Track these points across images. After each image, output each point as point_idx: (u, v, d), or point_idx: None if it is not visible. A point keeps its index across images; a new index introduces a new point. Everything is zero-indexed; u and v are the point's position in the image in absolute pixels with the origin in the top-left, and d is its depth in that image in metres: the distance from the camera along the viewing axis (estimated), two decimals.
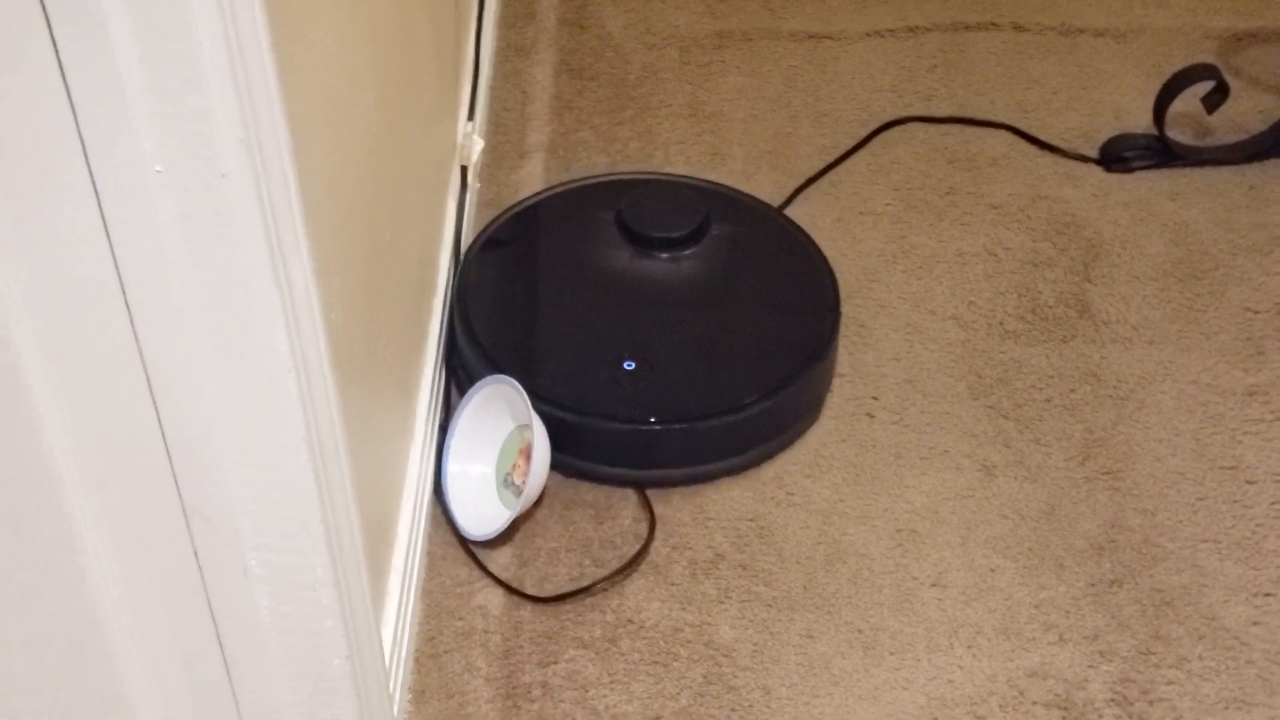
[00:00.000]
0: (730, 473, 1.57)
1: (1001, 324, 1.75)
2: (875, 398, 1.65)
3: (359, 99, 1.25)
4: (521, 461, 1.51)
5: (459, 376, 1.64)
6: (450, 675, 1.39)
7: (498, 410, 1.55)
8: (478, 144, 1.86)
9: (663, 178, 1.84)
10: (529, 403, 1.50)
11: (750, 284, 1.68)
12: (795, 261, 1.71)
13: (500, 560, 1.48)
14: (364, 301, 1.27)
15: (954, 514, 1.54)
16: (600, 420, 1.53)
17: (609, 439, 1.53)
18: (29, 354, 0.86)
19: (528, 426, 1.51)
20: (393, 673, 1.34)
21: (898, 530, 1.52)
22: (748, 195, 1.81)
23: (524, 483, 1.48)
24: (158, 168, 0.88)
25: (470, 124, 1.86)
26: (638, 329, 1.62)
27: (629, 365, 1.56)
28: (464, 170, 1.82)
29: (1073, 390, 1.66)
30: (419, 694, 1.37)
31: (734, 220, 1.76)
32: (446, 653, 1.41)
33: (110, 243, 0.92)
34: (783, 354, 1.60)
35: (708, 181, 1.83)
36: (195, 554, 1.10)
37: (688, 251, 1.70)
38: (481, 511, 1.51)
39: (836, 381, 1.67)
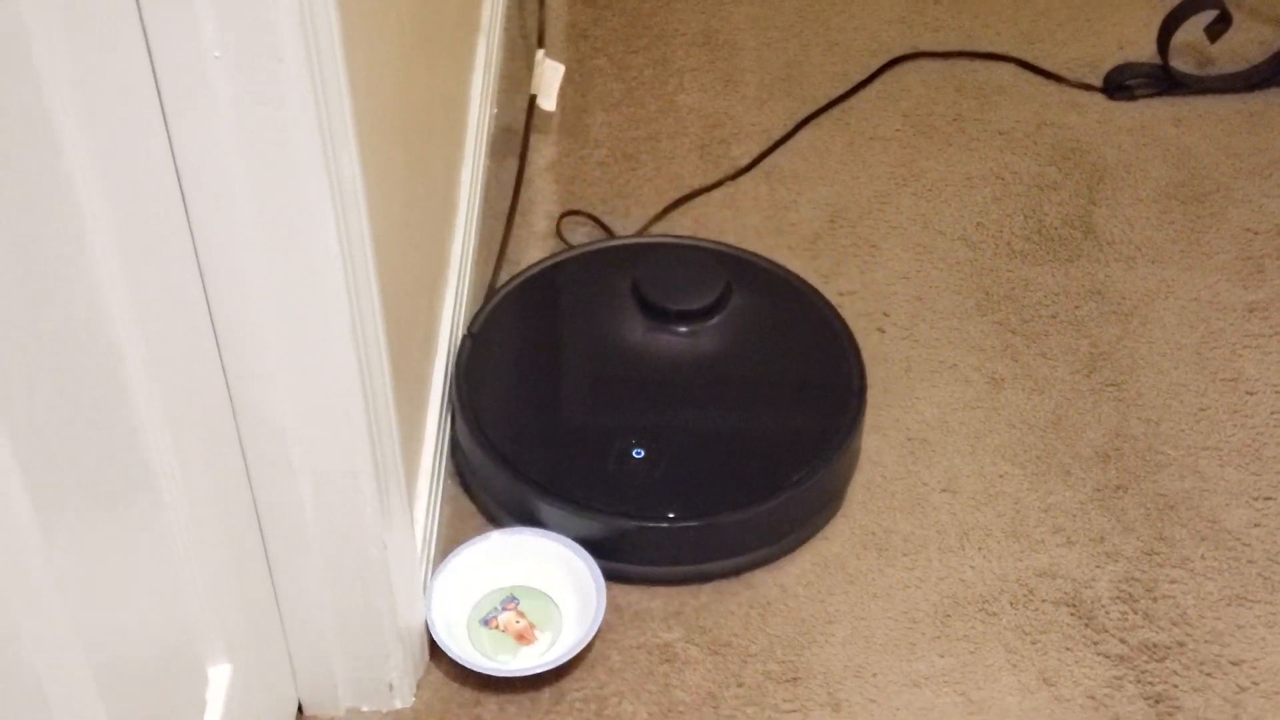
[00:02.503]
0: (749, 568, 1.46)
1: (1008, 244, 1.79)
2: (886, 314, 1.70)
3: (392, 8, 1.29)
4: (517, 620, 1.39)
5: (460, 468, 1.53)
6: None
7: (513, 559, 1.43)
8: (555, 69, 1.91)
9: (679, 241, 1.71)
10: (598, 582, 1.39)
11: (770, 361, 1.57)
12: (817, 336, 1.59)
13: None
14: (401, 200, 1.31)
15: (963, 424, 1.58)
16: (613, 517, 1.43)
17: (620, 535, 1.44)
18: (101, 243, 0.90)
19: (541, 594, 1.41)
20: (423, 568, 1.39)
21: (909, 439, 1.57)
22: (768, 260, 1.67)
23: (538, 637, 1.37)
24: (216, 53, 0.92)
25: (541, 51, 1.91)
26: (648, 411, 1.52)
27: (638, 454, 1.46)
28: (532, 99, 1.88)
29: (1078, 307, 1.71)
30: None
31: (755, 289, 1.62)
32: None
33: (168, 129, 0.95)
34: (801, 445, 1.48)
35: (726, 245, 1.69)
36: (241, 446, 1.14)
37: (708, 324, 1.57)
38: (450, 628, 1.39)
39: (848, 299, 1.71)
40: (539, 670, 1.33)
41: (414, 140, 1.40)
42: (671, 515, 1.42)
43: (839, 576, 1.45)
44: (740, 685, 1.36)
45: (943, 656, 1.38)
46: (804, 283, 1.65)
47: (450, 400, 1.53)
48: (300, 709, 1.33)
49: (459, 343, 1.56)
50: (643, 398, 1.53)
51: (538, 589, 1.41)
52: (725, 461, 1.48)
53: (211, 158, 0.98)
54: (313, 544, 1.21)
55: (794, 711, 1.34)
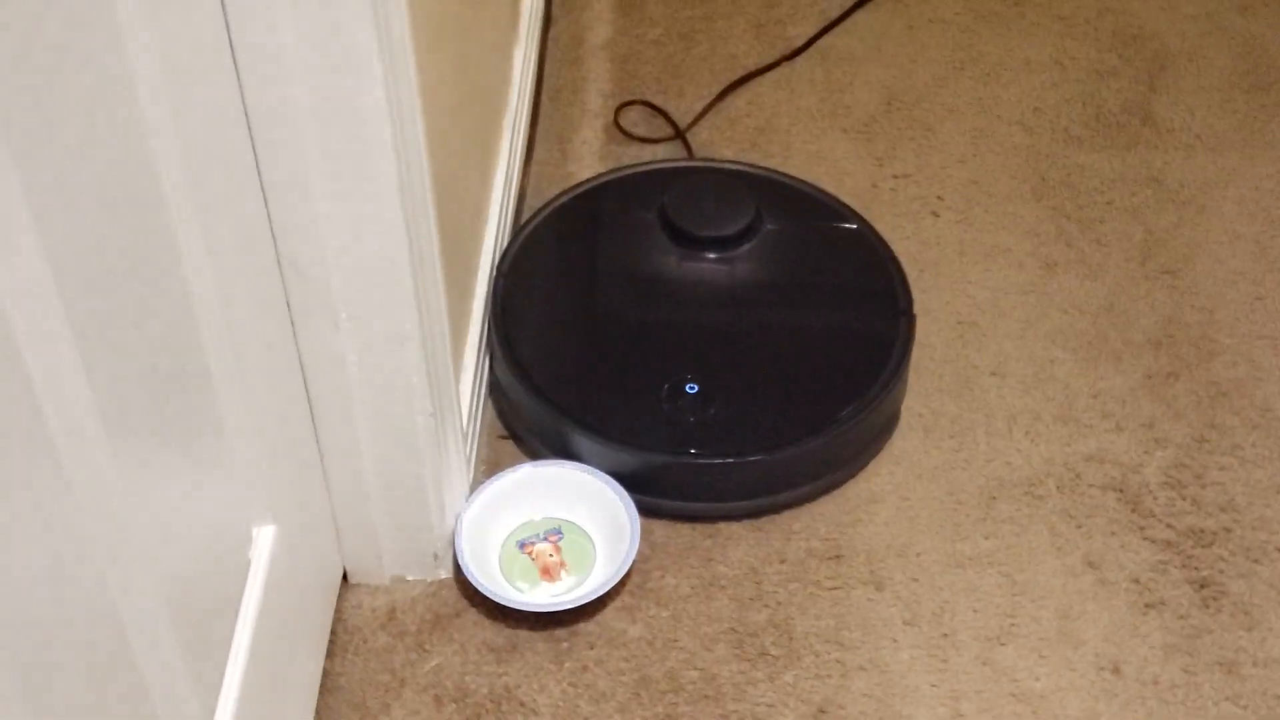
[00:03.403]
0: (808, 499, 1.42)
1: (1066, 130, 1.76)
2: (940, 197, 1.68)
3: None
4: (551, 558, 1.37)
5: (502, 408, 1.49)
6: (520, 456, 1.44)
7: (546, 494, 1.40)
8: None
9: (709, 165, 1.66)
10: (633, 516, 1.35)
11: (815, 285, 1.53)
12: (860, 255, 1.55)
13: None
14: (451, 64, 1.30)
15: (1014, 308, 1.57)
16: (665, 455, 1.39)
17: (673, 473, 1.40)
18: (149, 103, 0.90)
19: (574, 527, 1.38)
20: (468, 441, 1.39)
21: (959, 322, 1.56)
22: (808, 184, 1.62)
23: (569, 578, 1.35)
24: None
25: None
26: (694, 345, 1.47)
27: (692, 389, 1.42)
28: None
29: (1134, 194, 1.69)
30: (492, 466, 1.43)
31: (793, 212, 1.58)
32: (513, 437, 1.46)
33: None
34: (854, 373, 1.44)
35: (759, 168, 1.63)
36: (288, 305, 1.15)
37: (741, 250, 1.53)
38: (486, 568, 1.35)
39: (903, 182, 1.70)
40: (540, 608, 1.30)
41: (464, 6, 1.39)
42: (731, 452, 1.39)
43: (884, 456, 1.44)
44: (783, 561, 1.36)
45: (987, 538, 1.38)
46: (845, 206, 1.60)
47: (488, 339, 1.49)
48: (345, 577, 1.35)
49: (492, 281, 1.52)
50: (686, 331, 1.49)
51: (584, 530, 1.38)
52: (777, 394, 1.44)
53: (261, 9, 0.97)
54: (358, 409, 1.22)
55: (836, 588, 1.34)
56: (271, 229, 1.09)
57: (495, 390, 1.49)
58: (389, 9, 1.02)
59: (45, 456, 0.76)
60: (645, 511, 1.37)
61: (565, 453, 1.41)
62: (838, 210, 1.59)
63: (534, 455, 1.44)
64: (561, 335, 1.50)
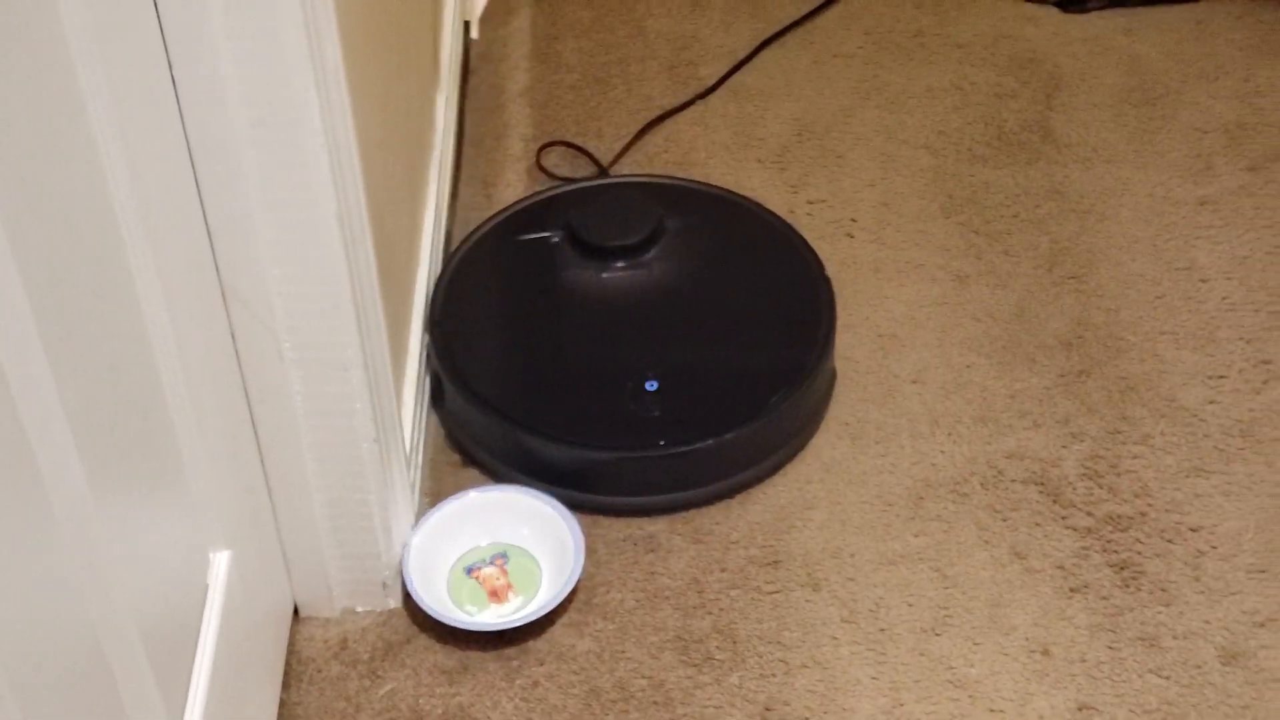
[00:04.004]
0: (738, 490, 1.49)
1: (970, 150, 1.84)
2: (854, 219, 1.75)
3: None
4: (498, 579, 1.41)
5: (459, 437, 1.53)
6: (464, 482, 1.49)
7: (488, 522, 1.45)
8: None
9: (613, 181, 1.75)
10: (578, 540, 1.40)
11: (737, 282, 1.61)
12: (779, 252, 1.64)
13: None
14: (380, 106, 1.35)
15: (930, 319, 1.64)
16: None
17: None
18: (105, 133, 0.94)
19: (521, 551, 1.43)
20: (412, 469, 1.43)
21: (879, 335, 1.62)
22: (717, 186, 1.72)
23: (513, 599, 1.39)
24: None
25: None
26: (636, 344, 1.55)
27: (651, 386, 1.50)
28: (466, 25, 1.90)
29: (1038, 206, 1.76)
30: (436, 495, 1.47)
31: (709, 216, 1.67)
32: (458, 461, 1.51)
33: (159, 17, 1.00)
34: (779, 362, 1.52)
35: (666, 177, 1.74)
36: (233, 335, 1.19)
37: (654, 256, 1.61)
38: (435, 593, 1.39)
39: (818, 207, 1.76)
40: (490, 628, 1.34)
41: (391, 54, 1.45)
42: (661, 443, 1.46)
43: (815, 465, 1.50)
44: (723, 570, 1.41)
45: (917, 536, 1.44)
46: (759, 205, 1.69)
47: (436, 374, 1.54)
48: (296, 612, 1.38)
49: (427, 317, 1.57)
50: (628, 332, 1.56)
51: (529, 552, 1.42)
52: (708, 388, 1.51)
53: (201, 47, 1.02)
54: (304, 437, 1.26)
55: (776, 592, 1.39)
56: (216, 263, 1.14)
57: (457, 422, 1.53)
58: (324, 50, 1.07)
59: (34, 493, 0.81)
60: (624, 512, 1.45)
61: (526, 468, 1.47)
62: (737, 203, 1.69)
63: (496, 476, 1.49)
64: (508, 357, 1.56)
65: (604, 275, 1.60)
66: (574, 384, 1.52)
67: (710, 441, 1.45)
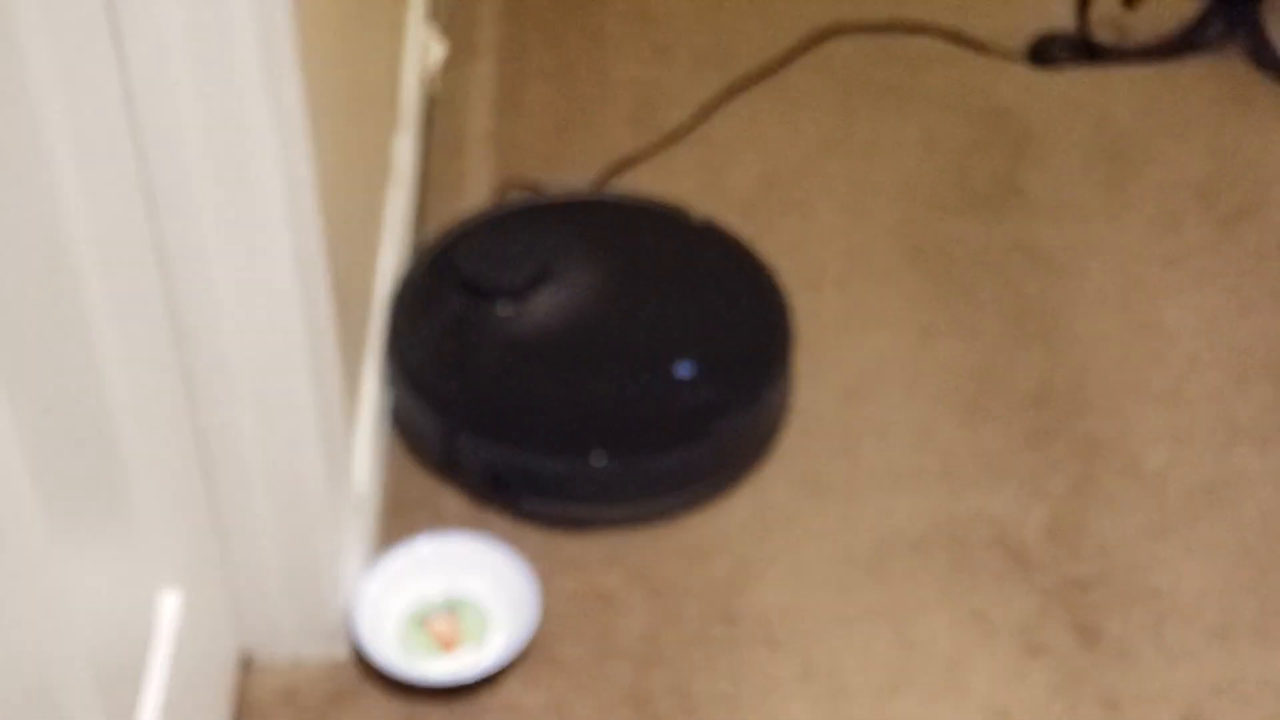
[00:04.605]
0: (680, 509, 1.50)
1: (938, 203, 1.83)
2: (819, 271, 1.73)
3: None
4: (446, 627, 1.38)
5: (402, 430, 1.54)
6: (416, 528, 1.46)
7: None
8: (436, 51, 1.92)
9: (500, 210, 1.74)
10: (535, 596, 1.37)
11: (690, 302, 1.63)
12: (734, 274, 1.66)
13: None
14: (340, 151, 1.33)
15: (896, 373, 1.62)
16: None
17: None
18: (64, 172, 0.92)
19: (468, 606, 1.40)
20: (364, 514, 1.41)
21: (842, 389, 1.60)
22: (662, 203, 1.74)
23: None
24: None
25: (430, 27, 1.93)
26: (568, 362, 1.55)
27: (684, 372, 1.52)
28: (428, 75, 1.89)
29: (1006, 260, 1.75)
30: (389, 542, 1.44)
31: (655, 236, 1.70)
32: (411, 508, 1.48)
33: (125, 53, 0.98)
34: (731, 384, 1.53)
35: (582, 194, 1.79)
36: (185, 375, 1.16)
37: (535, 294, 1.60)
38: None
39: (783, 258, 1.75)
40: (440, 684, 1.32)
41: (349, 97, 1.43)
42: (600, 456, 1.46)
43: (775, 520, 1.48)
44: (679, 625, 1.39)
45: (877, 594, 1.42)
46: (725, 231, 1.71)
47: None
48: (246, 661, 1.35)
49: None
50: (555, 351, 1.56)
51: (481, 604, 1.39)
52: (653, 407, 1.51)
53: (161, 87, 1.00)
54: (254, 479, 1.24)
55: (732, 648, 1.37)
56: (169, 301, 1.11)
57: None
58: (283, 89, 1.05)
59: None
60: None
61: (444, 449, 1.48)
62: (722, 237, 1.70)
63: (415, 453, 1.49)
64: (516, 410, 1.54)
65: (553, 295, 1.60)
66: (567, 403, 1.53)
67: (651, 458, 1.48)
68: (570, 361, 1.55)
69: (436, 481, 1.50)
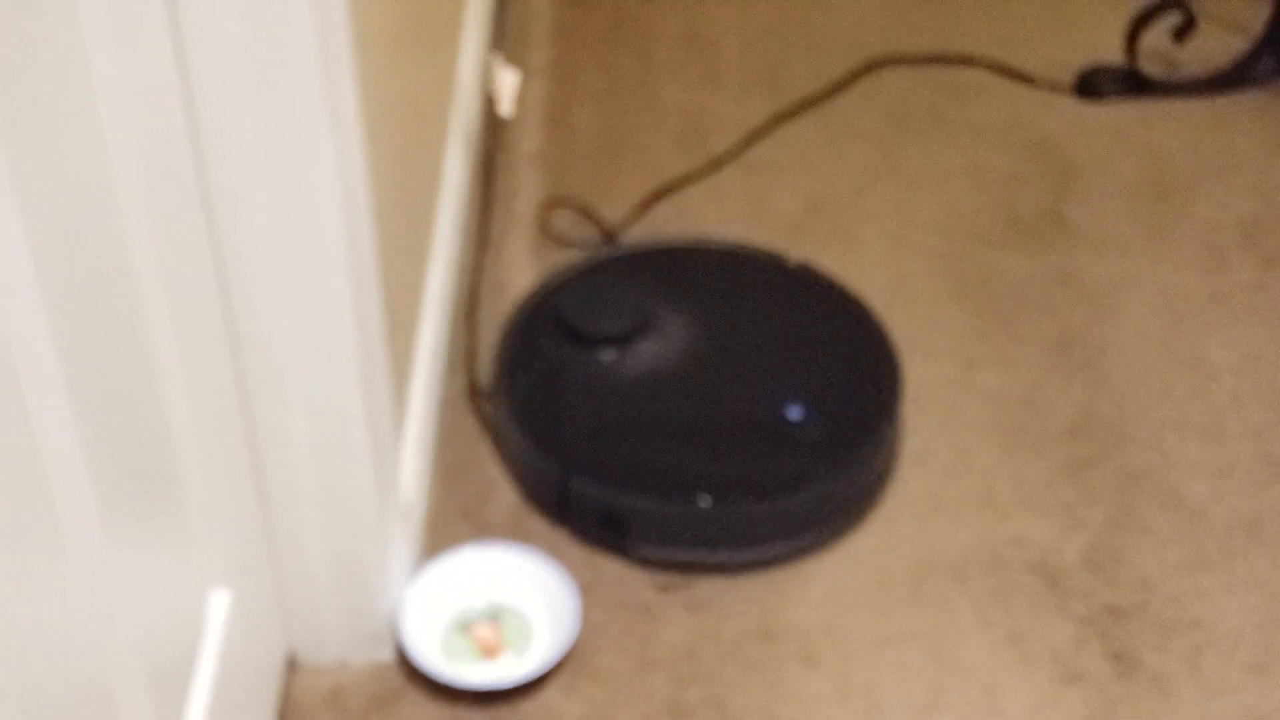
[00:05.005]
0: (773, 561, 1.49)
1: (982, 234, 1.84)
2: (863, 297, 1.75)
3: None
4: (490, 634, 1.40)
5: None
6: (461, 539, 1.48)
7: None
8: (508, 78, 1.96)
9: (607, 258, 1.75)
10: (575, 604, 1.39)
11: (804, 350, 1.63)
12: (847, 324, 1.67)
13: None
14: (394, 162, 1.36)
15: (936, 402, 1.63)
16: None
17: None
18: (127, 184, 0.95)
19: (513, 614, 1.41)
20: (410, 522, 1.42)
21: None
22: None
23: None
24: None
25: (497, 56, 1.97)
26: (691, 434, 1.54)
27: (794, 414, 1.52)
28: (490, 99, 1.93)
29: (1049, 293, 1.76)
30: (434, 550, 1.46)
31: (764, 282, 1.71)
32: (456, 520, 1.50)
33: (186, 63, 1.00)
34: (839, 434, 1.53)
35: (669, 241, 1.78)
36: (240, 381, 1.18)
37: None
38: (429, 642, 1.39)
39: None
40: (481, 688, 1.34)
41: (405, 112, 1.45)
42: (706, 499, 1.46)
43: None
44: (718, 640, 1.40)
45: (914, 617, 1.42)
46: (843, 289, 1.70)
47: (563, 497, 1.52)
48: (292, 662, 1.37)
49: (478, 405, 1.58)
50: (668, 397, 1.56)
51: (523, 612, 1.41)
52: (764, 449, 1.51)
53: (221, 97, 1.02)
54: (304, 485, 1.26)
55: (770, 665, 1.38)
56: (227, 306, 1.14)
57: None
58: (341, 102, 1.08)
59: (49, 526, 0.82)
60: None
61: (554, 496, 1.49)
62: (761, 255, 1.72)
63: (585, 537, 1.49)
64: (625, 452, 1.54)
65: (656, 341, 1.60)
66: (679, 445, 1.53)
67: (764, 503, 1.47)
68: (676, 407, 1.55)
69: (481, 495, 1.52)
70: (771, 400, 1.54)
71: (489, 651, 1.37)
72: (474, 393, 1.61)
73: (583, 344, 1.58)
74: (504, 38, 2.09)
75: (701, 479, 1.47)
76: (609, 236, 1.81)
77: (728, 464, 1.50)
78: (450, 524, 1.49)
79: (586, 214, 1.84)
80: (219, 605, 1.18)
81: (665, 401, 1.56)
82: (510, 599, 1.41)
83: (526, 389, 1.57)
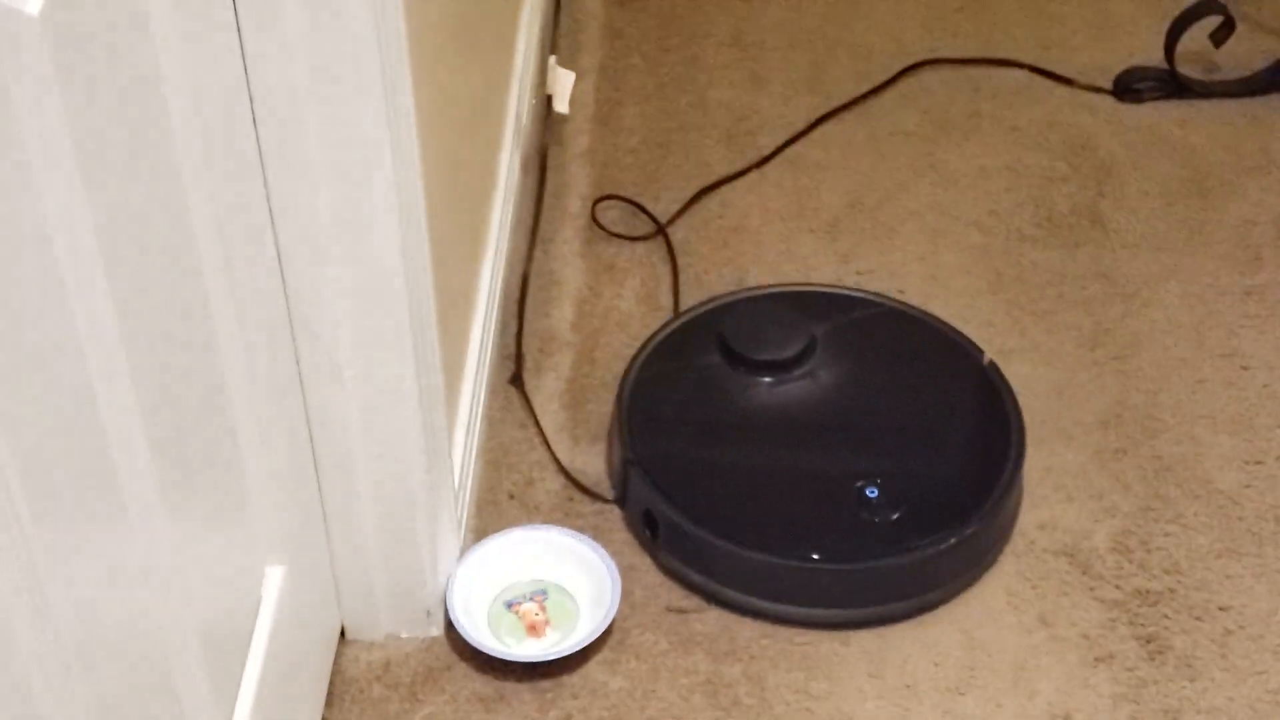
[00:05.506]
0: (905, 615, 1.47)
1: (1019, 230, 1.88)
2: (901, 291, 1.79)
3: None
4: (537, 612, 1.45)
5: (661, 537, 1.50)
6: (507, 521, 1.53)
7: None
8: (564, 78, 2.02)
9: (759, 293, 1.74)
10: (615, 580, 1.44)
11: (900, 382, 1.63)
12: (929, 343, 1.67)
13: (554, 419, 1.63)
14: (448, 149, 1.41)
15: None
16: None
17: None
18: (193, 177, 1.01)
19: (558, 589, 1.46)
20: (459, 505, 1.48)
21: None
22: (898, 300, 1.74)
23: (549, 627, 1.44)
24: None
25: (553, 58, 2.02)
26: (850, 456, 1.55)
27: (872, 493, 1.49)
28: (548, 99, 1.99)
29: (1084, 288, 1.80)
30: (480, 534, 1.51)
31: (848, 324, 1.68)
32: (503, 500, 1.55)
33: (243, 52, 1.06)
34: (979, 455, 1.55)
35: (810, 284, 1.77)
36: (297, 362, 1.24)
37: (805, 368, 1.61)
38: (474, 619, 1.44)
39: (866, 278, 1.81)
40: (528, 659, 1.38)
41: (461, 109, 1.51)
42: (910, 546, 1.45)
43: None
44: (755, 621, 1.44)
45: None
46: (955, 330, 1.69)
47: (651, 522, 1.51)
48: (344, 635, 1.42)
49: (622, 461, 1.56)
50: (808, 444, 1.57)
51: (568, 590, 1.46)
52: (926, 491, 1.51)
53: (281, 86, 1.08)
54: (359, 464, 1.31)
55: (806, 644, 1.42)
56: (285, 291, 1.19)
57: (693, 561, 1.49)
58: (398, 98, 1.13)
59: (113, 499, 0.87)
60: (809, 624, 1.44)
61: (750, 589, 1.46)
62: (895, 307, 1.70)
63: (712, 596, 1.47)
64: (725, 487, 1.54)
65: (782, 387, 1.60)
66: (782, 497, 1.53)
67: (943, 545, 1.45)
68: (788, 449, 1.57)
69: (528, 479, 1.57)
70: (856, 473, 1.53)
71: (534, 629, 1.42)
72: (519, 382, 1.67)
73: (736, 364, 1.60)
74: (557, 39, 2.14)
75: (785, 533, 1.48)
76: (660, 229, 1.86)
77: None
78: (498, 505, 1.54)
79: (635, 205, 1.89)
80: (273, 580, 1.22)
81: (783, 437, 1.57)
82: (556, 578, 1.46)
83: (653, 394, 1.59)
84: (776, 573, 1.45)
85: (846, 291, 1.74)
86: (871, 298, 1.73)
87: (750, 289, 1.76)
